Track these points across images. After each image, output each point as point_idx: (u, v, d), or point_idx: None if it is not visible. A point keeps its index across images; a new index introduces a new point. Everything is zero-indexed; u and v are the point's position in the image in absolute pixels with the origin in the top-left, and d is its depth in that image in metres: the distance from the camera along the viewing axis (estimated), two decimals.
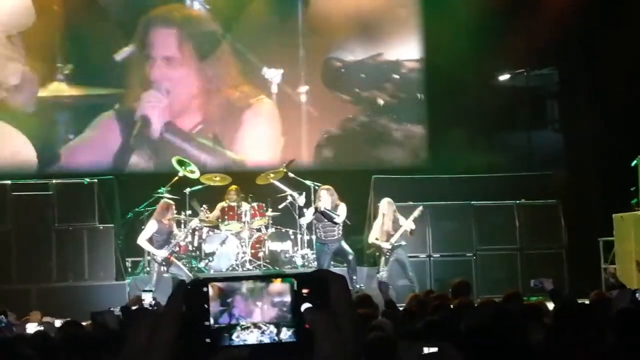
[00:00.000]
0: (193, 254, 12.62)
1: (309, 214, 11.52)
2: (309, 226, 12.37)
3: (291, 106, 15.03)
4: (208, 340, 1.26)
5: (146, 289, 10.94)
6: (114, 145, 14.27)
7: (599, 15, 13.70)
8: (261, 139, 14.93)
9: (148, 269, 11.70)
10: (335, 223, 11.25)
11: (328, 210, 11.21)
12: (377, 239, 11.56)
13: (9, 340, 5.13)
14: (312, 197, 12.08)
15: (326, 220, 11.29)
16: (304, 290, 1.28)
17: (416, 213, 11.66)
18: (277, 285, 1.29)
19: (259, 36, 14.88)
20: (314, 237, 12.13)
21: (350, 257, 11.39)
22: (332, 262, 11.67)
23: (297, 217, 12.53)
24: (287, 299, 1.28)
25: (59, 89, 14.12)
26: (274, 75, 14.79)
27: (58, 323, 6.48)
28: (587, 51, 14.48)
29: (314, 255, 12.23)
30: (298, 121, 15.09)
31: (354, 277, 11.29)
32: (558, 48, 14.44)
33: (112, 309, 6.20)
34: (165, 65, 14.37)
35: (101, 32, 14.20)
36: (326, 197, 11.29)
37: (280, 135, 14.98)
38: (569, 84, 15.16)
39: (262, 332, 1.28)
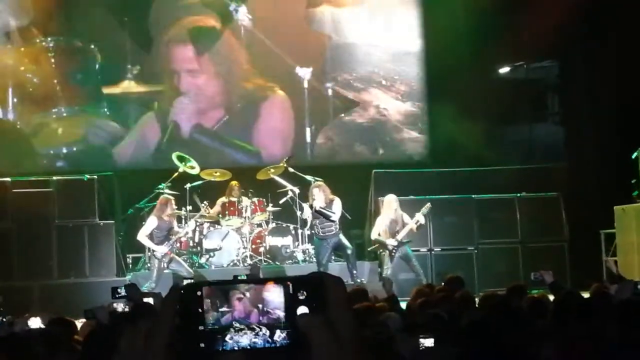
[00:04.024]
0: (194, 249, 12.62)
1: (307, 211, 11.42)
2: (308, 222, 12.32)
3: (294, 102, 15.06)
4: (202, 345, 1.25)
5: (146, 285, 10.97)
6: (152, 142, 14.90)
7: (599, 8, 13.65)
8: (275, 132, 15.11)
9: (149, 265, 11.69)
10: (332, 221, 11.18)
11: (323, 208, 11.10)
12: (379, 235, 11.48)
13: (18, 336, 5.13)
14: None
15: (323, 216, 11.21)
16: (300, 294, 1.26)
17: (424, 210, 11.56)
18: (271, 286, 1.28)
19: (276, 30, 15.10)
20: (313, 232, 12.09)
21: (350, 252, 11.32)
22: (332, 257, 11.64)
23: (298, 213, 12.48)
24: (281, 300, 1.27)
25: (129, 86, 15.00)
26: (305, 73, 15.01)
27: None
28: (587, 43, 14.44)
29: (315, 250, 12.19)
30: (299, 117, 15.11)
31: (354, 272, 11.24)
32: (558, 40, 14.39)
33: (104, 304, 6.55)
34: (189, 76, 14.97)
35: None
36: (319, 195, 11.15)
37: (282, 129, 15.06)
38: (569, 77, 15.12)
39: (256, 334, 1.26)
